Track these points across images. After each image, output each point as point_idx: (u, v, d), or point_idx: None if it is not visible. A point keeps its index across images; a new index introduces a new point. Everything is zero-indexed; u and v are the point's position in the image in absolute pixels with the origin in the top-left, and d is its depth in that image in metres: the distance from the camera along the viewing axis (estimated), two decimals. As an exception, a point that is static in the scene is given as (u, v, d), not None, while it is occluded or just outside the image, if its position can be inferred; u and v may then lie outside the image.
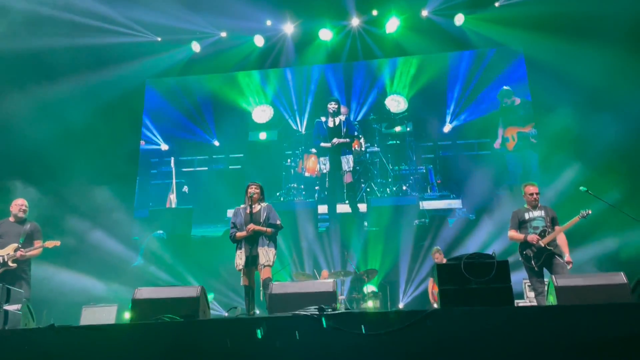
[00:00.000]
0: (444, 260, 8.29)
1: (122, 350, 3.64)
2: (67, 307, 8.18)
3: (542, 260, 6.01)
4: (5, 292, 4.08)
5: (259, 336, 3.60)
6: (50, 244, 6.03)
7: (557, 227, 6.10)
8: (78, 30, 9.99)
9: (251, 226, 5.52)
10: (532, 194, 6.29)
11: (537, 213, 6.24)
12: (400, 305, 9.40)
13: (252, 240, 5.48)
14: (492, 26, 10.54)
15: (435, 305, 7.92)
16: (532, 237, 6.04)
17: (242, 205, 5.85)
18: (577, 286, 4.04)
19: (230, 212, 9.69)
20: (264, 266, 5.41)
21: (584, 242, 7.75)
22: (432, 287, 8.56)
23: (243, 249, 5.51)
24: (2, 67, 9.38)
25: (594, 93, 9.27)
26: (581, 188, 6.23)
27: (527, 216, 6.27)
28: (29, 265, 6.03)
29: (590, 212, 5.97)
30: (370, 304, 8.59)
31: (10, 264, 5.74)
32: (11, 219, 6.10)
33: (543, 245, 6.00)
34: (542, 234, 6.06)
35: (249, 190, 5.74)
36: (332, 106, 10.81)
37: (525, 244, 6.13)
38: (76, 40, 10.07)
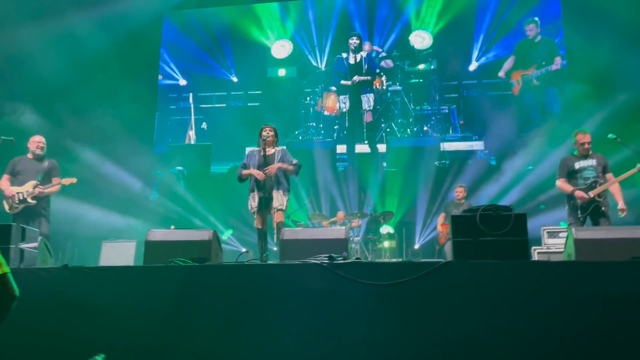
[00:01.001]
0: (463, 200, 8.12)
1: (134, 291, 3.69)
2: (87, 241, 8.39)
3: (588, 211, 5.75)
4: (20, 231, 4.13)
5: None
6: (67, 181, 6.05)
7: (608, 177, 5.78)
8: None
9: (273, 167, 5.42)
10: (583, 144, 5.89)
11: (588, 162, 5.88)
12: (416, 247, 9.43)
13: (266, 184, 5.41)
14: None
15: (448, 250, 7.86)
16: (581, 195, 5.74)
17: (256, 148, 5.75)
18: (597, 239, 3.90)
19: (248, 150, 9.65)
20: (277, 210, 5.37)
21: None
22: (440, 223, 8.37)
23: (256, 192, 5.46)
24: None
25: (631, 30, 8.70)
26: (610, 135, 5.93)
27: (577, 165, 5.92)
28: (49, 203, 6.09)
29: None
30: (387, 245, 8.63)
31: (29, 200, 5.81)
32: (29, 155, 6.11)
33: (592, 197, 5.71)
34: (593, 186, 5.74)
35: (263, 132, 5.61)
36: (353, 41, 10.42)
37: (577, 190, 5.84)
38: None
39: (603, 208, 5.72)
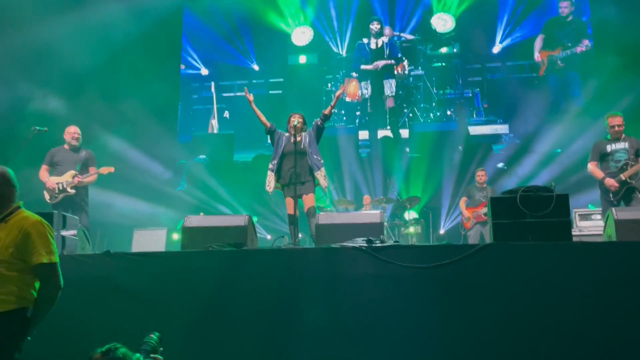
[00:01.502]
0: (484, 183, 8.02)
1: (173, 275, 3.75)
2: (117, 229, 8.51)
3: (621, 194, 5.67)
4: (61, 218, 4.21)
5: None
6: (104, 170, 6.16)
7: None
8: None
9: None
10: (613, 126, 5.81)
11: (620, 145, 5.79)
12: (442, 232, 9.39)
13: (299, 166, 5.44)
14: None
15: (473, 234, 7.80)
16: (611, 184, 5.67)
17: (285, 133, 5.78)
18: (638, 219, 3.85)
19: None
20: (308, 193, 5.41)
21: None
22: (463, 207, 8.20)
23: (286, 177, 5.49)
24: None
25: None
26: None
27: (609, 148, 5.84)
28: (87, 193, 6.20)
29: None
30: (412, 230, 8.60)
31: (69, 190, 5.92)
32: (66, 146, 6.21)
33: (624, 178, 5.64)
34: (624, 168, 5.68)
35: (292, 119, 5.67)
36: (374, 26, 10.33)
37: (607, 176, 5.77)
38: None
39: (636, 191, 5.63)
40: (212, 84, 11.39)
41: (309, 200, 5.37)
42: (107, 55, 9.79)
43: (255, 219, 9.75)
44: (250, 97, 5.79)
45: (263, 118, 5.83)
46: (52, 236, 2.67)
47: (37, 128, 5.59)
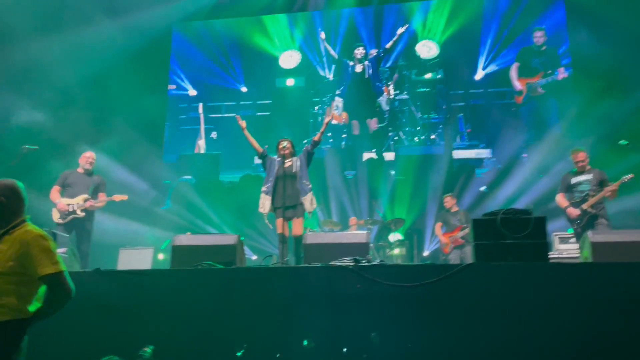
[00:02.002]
0: (455, 207, 8.25)
1: (162, 293, 3.81)
2: (101, 248, 8.47)
3: (583, 222, 6.18)
4: (52, 236, 4.24)
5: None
6: (117, 197, 6.29)
7: (606, 189, 6.13)
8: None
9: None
10: (577, 162, 6.41)
11: (584, 177, 6.37)
12: (426, 253, 9.51)
13: (288, 191, 5.59)
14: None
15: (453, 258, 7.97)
16: (571, 212, 6.25)
17: (277, 158, 5.95)
18: (613, 242, 4.02)
19: (257, 160, 9.81)
20: (298, 218, 5.55)
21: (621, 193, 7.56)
22: (439, 233, 8.43)
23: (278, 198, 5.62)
24: (29, 11, 9.35)
25: (638, 40, 8.85)
26: (622, 142, 6.13)
27: (573, 181, 6.42)
28: (93, 217, 6.29)
29: (632, 176, 6.00)
30: (397, 251, 8.71)
31: (79, 212, 6.01)
32: (79, 170, 6.36)
33: (585, 208, 6.16)
34: (586, 198, 6.20)
35: (280, 146, 5.87)
36: (359, 51, 10.58)
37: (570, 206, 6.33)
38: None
39: (598, 218, 6.14)
40: (200, 104, 11.50)
41: (297, 225, 5.55)
42: (95, 73, 9.87)
43: (242, 239, 9.83)
44: (243, 124, 6.01)
45: (256, 144, 6.05)
46: (54, 248, 2.74)
47: (28, 147, 5.66)
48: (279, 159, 5.90)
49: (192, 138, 11.53)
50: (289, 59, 11.63)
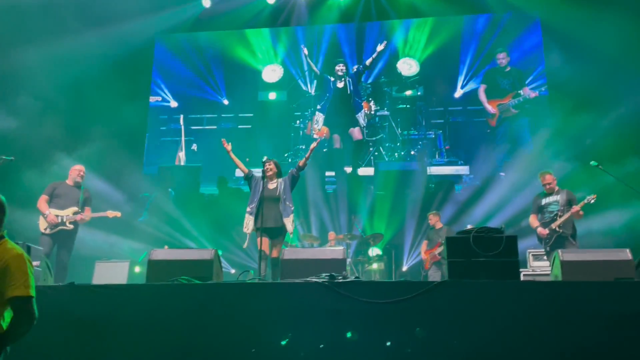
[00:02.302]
0: (439, 224, 8.39)
1: (138, 309, 3.78)
2: (76, 261, 8.35)
3: (552, 241, 6.42)
4: (25, 249, 4.19)
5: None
6: (111, 213, 6.32)
7: (572, 209, 6.37)
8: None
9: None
10: (544, 185, 6.69)
11: (552, 198, 6.64)
12: (404, 268, 9.57)
13: (272, 212, 5.67)
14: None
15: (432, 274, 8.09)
16: (541, 232, 6.55)
17: (262, 179, 6.01)
18: (582, 261, 4.12)
19: (238, 172, 9.80)
20: (278, 239, 5.64)
21: (591, 213, 7.76)
22: (423, 250, 8.59)
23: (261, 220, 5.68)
24: (10, 19, 9.28)
25: (610, 62, 9.12)
26: (592, 163, 6.30)
27: (543, 202, 6.71)
28: (77, 231, 6.29)
29: (595, 197, 6.24)
30: (375, 267, 8.76)
31: (67, 224, 6.01)
32: (69, 182, 6.38)
33: (554, 227, 6.43)
34: (554, 218, 6.47)
35: (265, 167, 5.96)
36: (340, 68, 10.69)
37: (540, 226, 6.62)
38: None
39: (567, 237, 6.41)
40: (181, 116, 11.46)
41: (276, 248, 5.62)
42: (74, 81, 9.81)
43: (220, 252, 9.77)
44: (229, 147, 6.05)
45: (242, 166, 6.13)
46: (31, 271, 2.69)
47: (4, 157, 5.61)
48: (264, 180, 5.95)
49: (172, 150, 11.48)
50: (272, 72, 11.71)
